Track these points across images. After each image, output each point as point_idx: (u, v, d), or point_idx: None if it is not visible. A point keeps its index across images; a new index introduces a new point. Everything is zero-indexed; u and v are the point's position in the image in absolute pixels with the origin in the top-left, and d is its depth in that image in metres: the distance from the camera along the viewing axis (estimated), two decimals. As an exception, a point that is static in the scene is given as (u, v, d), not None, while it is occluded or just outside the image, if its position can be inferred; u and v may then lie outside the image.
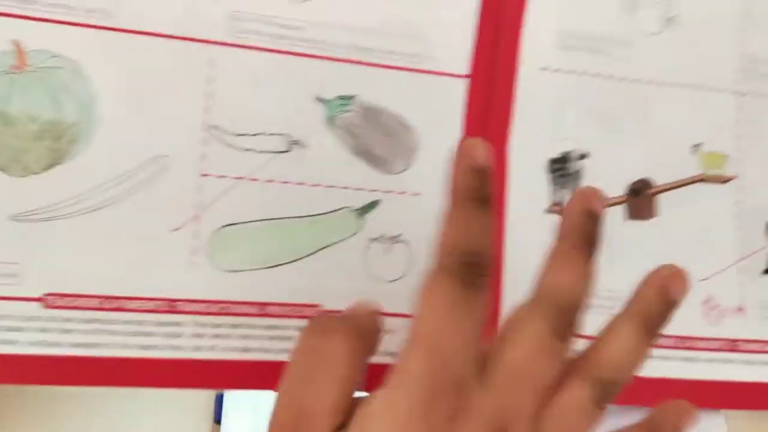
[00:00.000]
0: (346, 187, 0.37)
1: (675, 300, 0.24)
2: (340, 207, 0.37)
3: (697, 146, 0.41)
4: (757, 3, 0.41)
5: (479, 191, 0.22)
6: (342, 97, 0.37)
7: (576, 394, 0.23)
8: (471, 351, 0.22)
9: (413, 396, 0.21)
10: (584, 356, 0.24)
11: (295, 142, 0.36)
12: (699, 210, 0.41)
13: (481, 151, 0.22)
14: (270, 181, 0.36)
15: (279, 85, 0.36)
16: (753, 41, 0.41)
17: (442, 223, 0.23)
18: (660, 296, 0.23)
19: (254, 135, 0.36)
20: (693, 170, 0.41)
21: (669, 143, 0.40)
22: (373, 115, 0.37)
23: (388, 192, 0.37)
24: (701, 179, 0.41)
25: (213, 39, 0.35)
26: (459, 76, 0.38)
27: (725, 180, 0.41)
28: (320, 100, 0.36)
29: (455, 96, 0.38)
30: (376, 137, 0.37)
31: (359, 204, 0.37)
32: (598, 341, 0.24)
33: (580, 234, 0.23)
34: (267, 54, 0.35)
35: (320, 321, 0.25)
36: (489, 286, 0.23)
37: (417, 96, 0.38)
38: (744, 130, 0.41)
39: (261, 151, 0.36)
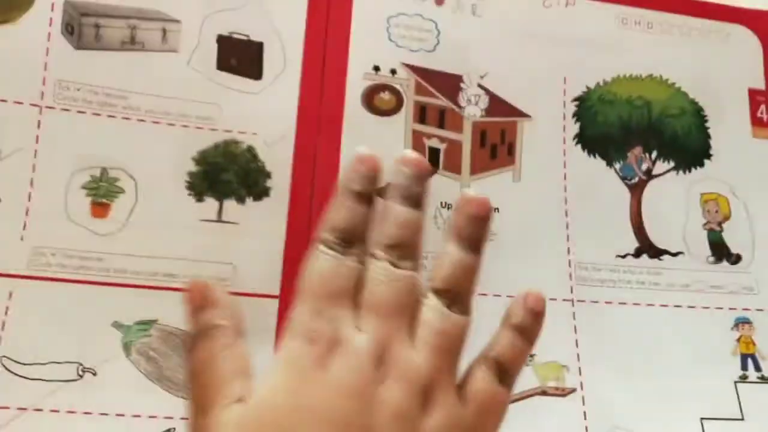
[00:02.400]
0: (137, 416, 0.36)
1: (483, 215, 0.28)
2: (129, 437, 0.35)
3: (532, 357, 0.38)
4: (577, 215, 0.42)
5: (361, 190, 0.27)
6: (141, 323, 0.37)
7: (430, 304, 0.27)
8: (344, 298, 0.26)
9: (297, 337, 0.25)
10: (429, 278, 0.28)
11: (87, 370, 0.36)
12: (541, 427, 0.37)
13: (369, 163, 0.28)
14: (54, 411, 0.35)
15: (76, 314, 0.36)
16: (579, 250, 0.41)
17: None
18: (472, 219, 0.28)
19: (45, 364, 0.36)
20: (531, 383, 0.38)
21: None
22: (174, 339, 0.37)
23: (184, 419, 0.36)
24: (541, 392, 0.38)
25: (14, 273, 0.37)
26: (270, 296, 0.38)
27: (566, 392, 0.38)
28: (117, 326, 0.37)
29: (267, 316, 0.38)
30: (177, 362, 0.37)
31: (152, 432, 0.35)
32: (434, 264, 0.28)
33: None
34: (67, 285, 0.37)
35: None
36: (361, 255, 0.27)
37: (223, 318, 0.38)
38: (581, 340, 0.39)
39: (50, 380, 0.35)
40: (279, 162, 0.40)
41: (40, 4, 0.38)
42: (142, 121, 0.39)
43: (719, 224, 0.43)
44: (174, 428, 0.36)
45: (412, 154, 0.28)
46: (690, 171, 0.44)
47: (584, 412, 0.38)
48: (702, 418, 0.39)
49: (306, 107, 0.41)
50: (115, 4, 0.40)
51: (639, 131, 0.44)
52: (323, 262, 0.27)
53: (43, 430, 0.35)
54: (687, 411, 0.39)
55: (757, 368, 0.40)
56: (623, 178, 0.43)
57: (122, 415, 0.36)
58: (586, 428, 0.38)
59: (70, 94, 0.38)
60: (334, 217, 0.28)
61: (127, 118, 0.39)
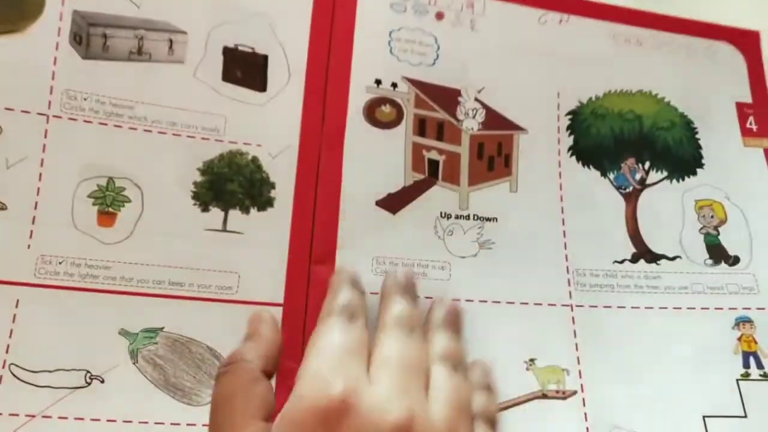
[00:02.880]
0: (144, 422, 0.36)
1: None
2: (137, 443, 0.36)
3: (531, 361, 0.40)
4: (573, 223, 0.43)
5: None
6: (147, 330, 0.38)
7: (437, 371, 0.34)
8: (356, 355, 0.32)
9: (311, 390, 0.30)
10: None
11: (94, 377, 0.36)
12: (542, 430, 0.39)
13: None
14: (63, 418, 0.35)
15: (83, 322, 0.37)
16: (576, 257, 0.42)
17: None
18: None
19: (53, 371, 0.36)
20: (531, 387, 0.40)
21: (500, 359, 0.39)
22: (180, 346, 0.38)
23: (191, 425, 0.36)
24: (541, 396, 0.39)
25: (21, 281, 0.37)
26: (273, 304, 0.39)
27: (566, 395, 0.39)
28: (124, 333, 0.37)
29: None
30: (183, 369, 0.37)
31: (159, 439, 0.36)
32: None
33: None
34: (73, 293, 0.37)
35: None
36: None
37: (229, 325, 0.38)
38: (581, 343, 0.40)
39: (58, 387, 0.36)
40: (283, 173, 0.41)
41: (48, 14, 0.38)
42: (149, 131, 0.40)
43: (715, 228, 0.44)
44: (181, 435, 0.36)
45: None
46: (683, 179, 0.46)
47: (585, 414, 0.39)
48: (704, 416, 0.40)
49: (309, 119, 0.42)
50: (122, 15, 0.40)
51: (631, 143, 0.46)
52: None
53: (52, 437, 0.35)
54: (689, 409, 0.39)
55: (759, 365, 0.41)
56: (618, 188, 0.45)
57: (130, 421, 0.36)
58: (587, 429, 0.39)
59: (78, 104, 0.39)
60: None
61: (133, 128, 0.40)
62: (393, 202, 0.42)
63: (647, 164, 0.46)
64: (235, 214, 0.40)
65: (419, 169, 0.42)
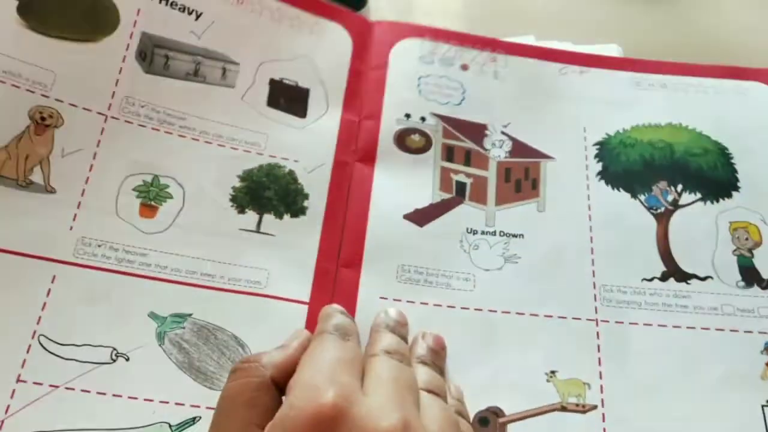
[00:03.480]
0: (165, 402, 0.36)
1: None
2: (156, 422, 0.35)
3: (552, 373, 0.39)
4: (601, 240, 0.43)
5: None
6: (176, 315, 0.38)
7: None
8: (349, 367, 0.32)
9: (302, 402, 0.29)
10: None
11: (120, 355, 0.36)
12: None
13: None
14: (85, 391, 0.35)
15: (114, 302, 0.38)
16: (603, 274, 0.42)
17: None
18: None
19: (80, 346, 0.36)
20: (551, 398, 0.39)
21: (520, 369, 0.39)
22: (206, 333, 0.38)
23: (211, 408, 0.36)
24: (560, 408, 0.38)
25: (59, 258, 0.38)
26: (299, 302, 0.40)
27: (586, 409, 0.38)
28: (153, 316, 0.38)
29: (297, 319, 0.39)
30: (207, 353, 0.37)
31: (178, 420, 0.35)
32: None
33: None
34: (109, 274, 0.38)
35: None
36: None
37: (256, 318, 0.39)
38: (604, 358, 0.40)
39: (83, 361, 0.36)
40: (317, 186, 0.44)
41: (122, 32, 0.43)
42: (196, 140, 0.43)
43: (749, 251, 0.44)
44: (200, 417, 0.36)
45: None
46: (718, 201, 0.45)
47: (603, 429, 0.38)
48: None
49: (344, 141, 0.45)
50: (185, 42, 0.45)
51: (663, 168, 0.46)
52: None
53: (73, 408, 0.35)
54: None
55: (787, 393, 0.39)
56: (649, 208, 0.45)
57: (150, 400, 0.36)
58: None
59: (135, 110, 0.42)
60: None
61: (182, 136, 0.43)
62: (420, 216, 0.43)
63: (680, 187, 0.45)
64: (269, 218, 0.42)
65: (447, 189, 0.45)
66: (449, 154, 0.46)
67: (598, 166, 0.46)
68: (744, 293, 0.42)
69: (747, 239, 0.44)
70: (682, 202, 0.45)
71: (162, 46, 0.44)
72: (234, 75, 0.46)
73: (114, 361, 0.36)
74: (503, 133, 0.47)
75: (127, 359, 0.36)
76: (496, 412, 0.38)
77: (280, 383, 0.32)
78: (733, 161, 0.47)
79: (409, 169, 0.45)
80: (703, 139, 0.47)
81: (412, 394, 0.32)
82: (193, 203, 0.41)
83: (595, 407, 0.38)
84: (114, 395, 0.35)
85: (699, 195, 0.45)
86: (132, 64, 0.43)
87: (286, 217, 0.42)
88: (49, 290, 0.37)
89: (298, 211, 0.43)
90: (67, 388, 0.35)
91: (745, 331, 0.41)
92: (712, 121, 0.48)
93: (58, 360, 0.36)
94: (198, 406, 0.36)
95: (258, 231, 0.42)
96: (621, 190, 0.45)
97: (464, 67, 0.50)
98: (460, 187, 0.45)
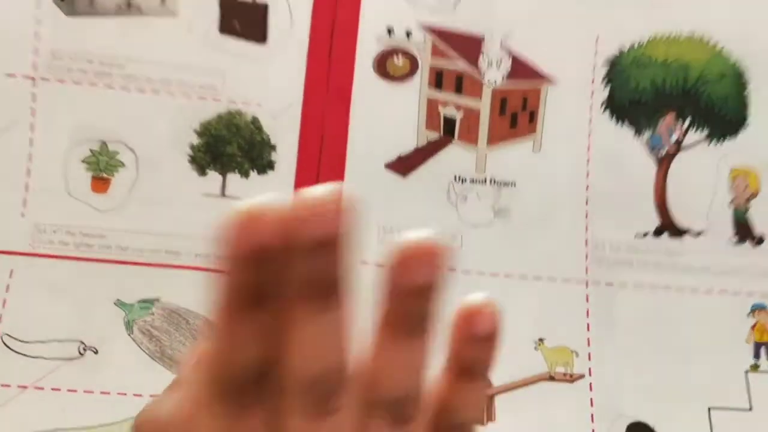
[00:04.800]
0: (139, 395, 0.35)
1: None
2: (130, 417, 0.35)
3: (540, 341, 0.37)
4: (598, 189, 0.39)
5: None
6: (144, 301, 0.36)
7: None
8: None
9: None
10: None
11: (88, 348, 0.36)
12: (545, 414, 0.36)
13: None
14: (55, 389, 0.35)
15: (77, 292, 0.36)
16: (597, 228, 0.38)
17: None
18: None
19: (46, 342, 0.35)
20: (538, 368, 0.37)
21: (508, 337, 0.36)
22: (177, 318, 0.36)
23: (186, 399, 0.35)
24: (548, 378, 0.36)
25: (15, 250, 0.36)
26: (273, 274, 0.37)
27: (574, 379, 0.36)
28: (120, 304, 0.36)
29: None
30: (179, 340, 0.36)
31: (154, 413, 0.35)
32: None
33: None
34: (68, 262, 0.36)
35: None
36: None
37: (226, 296, 0.37)
38: (593, 323, 0.37)
39: (51, 358, 0.35)
40: (285, 134, 0.38)
41: (29, -31, 0.36)
42: (142, 91, 0.38)
43: (747, 201, 0.40)
44: (175, 409, 0.35)
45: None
46: (722, 141, 0.41)
47: (591, 399, 0.36)
48: (710, 408, 0.37)
49: (313, 74, 0.39)
50: (109, -34, 0.37)
51: (673, 97, 0.41)
52: None
53: (45, 408, 0.35)
54: (695, 400, 0.37)
55: (770, 357, 0.38)
56: (651, 149, 0.40)
57: (124, 394, 0.35)
58: (592, 416, 0.36)
59: (65, 64, 0.37)
60: None
61: (125, 89, 0.37)
62: (404, 165, 0.38)
63: (688, 121, 0.41)
64: (234, 178, 0.38)
65: (434, 126, 0.39)
66: (438, 80, 0.39)
67: (605, 93, 0.40)
68: (735, 251, 0.39)
69: (746, 188, 0.41)
70: (686, 142, 0.40)
71: (85, -24, 0.37)
72: (177, -1, 0.38)
73: (82, 355, 0.36)
74: (502, 47, 0.39)
75: (96, 352, 0.36)
76: (482, 387, 0.36)
77: None
78: (746, 93, 0.41)
79: (392, 102, 0.39)
80: (723, 61, 0.41)
81: None
82: (147, 170, 0.37)
83: (582, 376, 0.37)
84: (85, 391, 0.35)
85: (706, 132, 0.41)
86: (50, 9, 0.37)
87: (253, 174, 0.38)
88: (8, 286, 0.36)
89: (265, 166, 0.38)
90: (36, 388, 0.35)
91: (732, 293, 0.39)
92: (735, 35, 0.41)
93: (24, 359, 0.35)
94: (173, 398, 0.36)
95: (223, 195, 0.38)
96: (625, 124, 0.40)
97: (461, -47, 0.40)
98: (449, 123, 0.39)
